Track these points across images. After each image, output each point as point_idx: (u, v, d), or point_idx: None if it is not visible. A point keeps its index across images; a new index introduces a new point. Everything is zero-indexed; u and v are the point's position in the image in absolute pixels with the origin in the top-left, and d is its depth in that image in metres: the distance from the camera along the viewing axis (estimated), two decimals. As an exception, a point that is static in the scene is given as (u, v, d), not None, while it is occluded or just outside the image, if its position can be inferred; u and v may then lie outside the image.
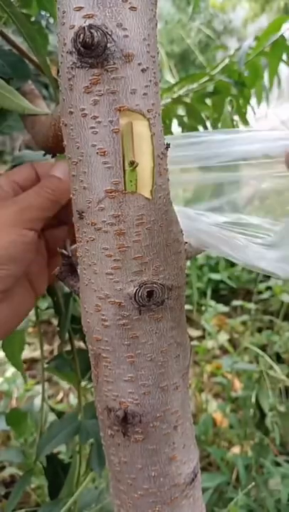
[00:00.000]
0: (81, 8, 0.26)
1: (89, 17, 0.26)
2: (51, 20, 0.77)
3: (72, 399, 1.41)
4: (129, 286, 0.29)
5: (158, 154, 0.29)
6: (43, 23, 0.70)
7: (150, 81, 0.28)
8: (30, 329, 1.81)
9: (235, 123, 0.76)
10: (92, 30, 0.25)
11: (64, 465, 0.61)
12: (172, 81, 0.86)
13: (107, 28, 0.26)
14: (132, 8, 0.26)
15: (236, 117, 0.77)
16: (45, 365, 0.61)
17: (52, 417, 0.89)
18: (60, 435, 0.55)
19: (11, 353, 0.61)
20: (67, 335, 0.58)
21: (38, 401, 0.83)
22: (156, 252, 0.30)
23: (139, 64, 0.27)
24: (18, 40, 0.53)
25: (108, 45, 0.26)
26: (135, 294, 0.29)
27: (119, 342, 0.31)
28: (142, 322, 0.30)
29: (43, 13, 0.66)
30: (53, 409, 0.70)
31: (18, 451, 0.66)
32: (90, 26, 0.25)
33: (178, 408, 0.33)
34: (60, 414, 0.67)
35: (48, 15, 0.73)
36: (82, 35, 0.25)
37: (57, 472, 0.60)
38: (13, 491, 0.58)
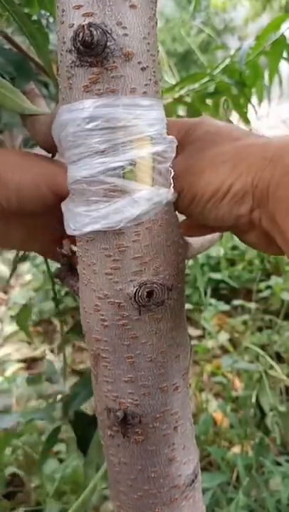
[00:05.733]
0: (80, 6, 0.26)
1: (88, 15, 0.25)
2: (51, 20, 0.77)
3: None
4: (129, 286, 0.29)
5: (158, 153, 0.29)
6: (43, 22, 0.70)
7: (150, 80, 0.28)
8: (30, 328, 1.81)
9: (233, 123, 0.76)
10: (92, 29, 0.25)
11: (90, 419, 0.63)
12: (172, 80, 0.86)
13: (106, 27, 0.25)
14: (132, 7, 0.26)
15: (235, 117, 0.78)
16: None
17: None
18: (83, 393, 0.57)
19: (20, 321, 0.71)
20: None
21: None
22: (156, 251, 0.30)
23: (139, 63, 0.27)
24: (18, 39, 0.52)
25: (108, 43, 0.25)
26: (135, 294, 0.29)
27: (119, 342, 0.31)
28: (141, 322, 0.30)
29: (42, 12, 0.66)
30: (74, 371, 0.74)
31: (44, 412, 0.67)
32: (90, 25, 0.25)
33: (178, 409, 0.33)
34: (82, 375, 0.70)
35: (47, 14, 0.72)
36: (81, 34, 0.25)
37: (84, 426, 0.62)
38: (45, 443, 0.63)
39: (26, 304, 0.73)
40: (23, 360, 1.66)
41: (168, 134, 0.30)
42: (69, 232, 0.31)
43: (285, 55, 0.73)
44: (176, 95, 0.77)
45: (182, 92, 0.76)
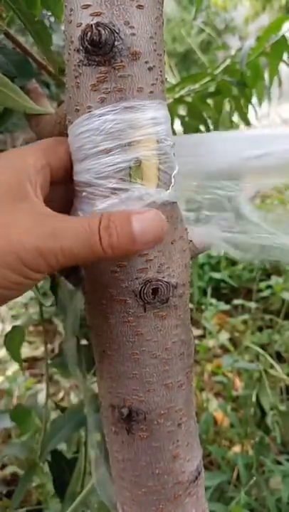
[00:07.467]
0: (89, 6, 0.26)
1: (96, 15, 0.26)
2: (52, 20, 0.77)
3: (73, 397, 1.41)
4: (134, 283, 0.30)
5: (164, 152, 0.29)
6: (46, 22, 0.70)
7: (156, 79, 0.28)
8: (31, 328, 1.81)
9: (233, 123, 0.77)
10: (100, 28, 0.25)
11: (68, 461, 0.60)
12: (172, 80, 0.86)
13: (114, 26, 0.26)
14: (139, 7, 0.26)
15: (235, 117, 0.78)
16: (49, 362, 0.61)
17: (55, 415, 0.88)
18: (64, 429, 0.54)
19: (11, 347, 0.60)
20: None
21: (41, 397, 0.83)
22: (161, 249, 0.30)
23: (146, 62, 0.27)
24: (20, 39, 0.52)
25: (115, 43, 0.26)
26: (140, 291, 0.29)
27: (124, 339, 0.31)
28: (146, 319, 0.30)
29: (44, 12, 0.66)
30: (57, 406, 0.70)
31: (22, 447, 0.65)
32: (98, 24, 0.25)
33: (182, 406, 0.33)
34: (63, 411, 0.67)
35: (49, 13, 0.72)
36: (89, 33, 0.25)
37: (62, 468, 0.59)
38: (17, 489, 0.58)
39: (17, 326, 0.60)
40: (25, 360, 1.66)
41: None
42: None
43: (285, 56, 0.73)
44: (177, 95, 0.77)
45: (183, 92, 0.77)
